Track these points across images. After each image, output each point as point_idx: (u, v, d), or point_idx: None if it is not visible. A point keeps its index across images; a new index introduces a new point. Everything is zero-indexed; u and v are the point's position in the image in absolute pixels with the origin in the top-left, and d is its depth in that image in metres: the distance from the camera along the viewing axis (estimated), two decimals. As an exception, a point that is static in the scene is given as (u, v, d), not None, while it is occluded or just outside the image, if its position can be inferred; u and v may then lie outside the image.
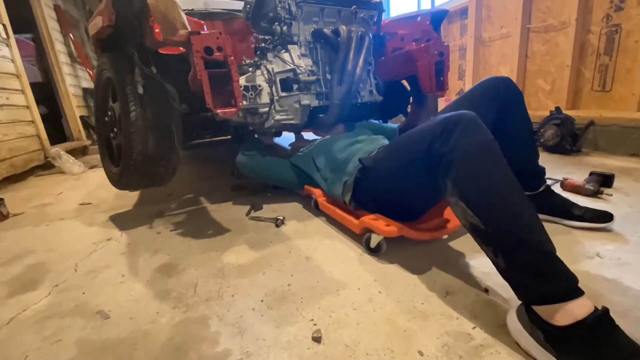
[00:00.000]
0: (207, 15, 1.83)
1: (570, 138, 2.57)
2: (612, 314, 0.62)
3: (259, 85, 1.60)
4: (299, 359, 0.73)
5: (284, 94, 1.68)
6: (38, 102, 3.35)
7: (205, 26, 1.48)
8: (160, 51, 1.46)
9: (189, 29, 1.16)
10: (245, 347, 0.77)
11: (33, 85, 3.35)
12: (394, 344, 0.75)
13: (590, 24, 2.66)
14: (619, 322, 0.61)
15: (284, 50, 1.70)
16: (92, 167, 3.33)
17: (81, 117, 4.38)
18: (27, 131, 3.13)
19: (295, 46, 1.74)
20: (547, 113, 2.80)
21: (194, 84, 1.32)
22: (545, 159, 2.44)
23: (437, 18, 2.08)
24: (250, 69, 1.59)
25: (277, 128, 1.83)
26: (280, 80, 1.66)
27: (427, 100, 2.32)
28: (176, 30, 1.13)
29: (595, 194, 1.55)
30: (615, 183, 1.66)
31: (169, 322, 0.88)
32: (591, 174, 1.71)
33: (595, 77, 2.67)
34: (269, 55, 1.67)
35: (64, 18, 4.42)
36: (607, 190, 1.59)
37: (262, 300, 0.94)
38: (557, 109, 2.72)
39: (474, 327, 0.78)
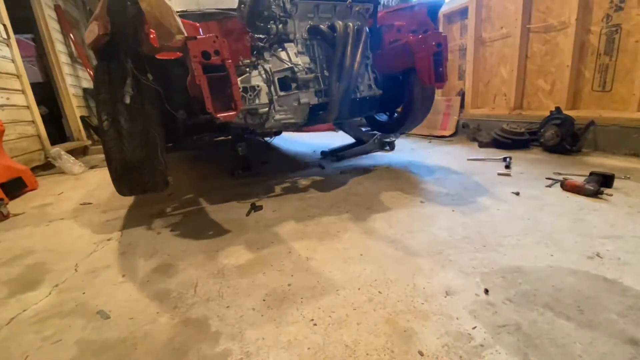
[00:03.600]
0: (201, 16, 1.82)
1: (570, 138, 2.57)
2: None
3: (258, 86, 1.59)
4: (299, 359, 0.73)
5: (282, 93, 1.67)
6: (38, 102, 3.35)
7: (200, 29, 1.48)
8: (157, 56, 1.46)
9: (185, 34, 1.16)
10: (245, 347, 0.77)
11: (33, 86, 3.35)
12: (394, 344, 0.75)
13: (590, 24, 2.65)
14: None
15: (280, 49, 1.69)
16: (92, 167, 3.33)
17: (81, 117, 4.39)
18: (28, 131, 3.13)
19: (292, 44, 1.73)
20: (547, 113, 2.80)
21: (192, 88, 1.32)
22: (545, 159, 2.44)
23: (434, 9, 2.05)
24: (248, 69, 1.59)
25: (278, 128, 1.83)
26: (279, 79, 1.66)
27: (424, 91, 2.26)
28: (172, 35, 1.13)
29: (595, 194, 1.55)
30: (615, 183, 1.66)
31: (169, 322, 0.88)
32: (591, 174, 1.71)
33: (596, 77, 2.67)
34: (266, 55, 1.66)
35: (65, 18, 4.42)
36: (607, 190, 1.59)
37: (263, 300, 0.94)
38: (557, 109, 2.72)
39: (474, 327, 0.78)
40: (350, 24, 1.70)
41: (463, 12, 3.84)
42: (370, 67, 2.01)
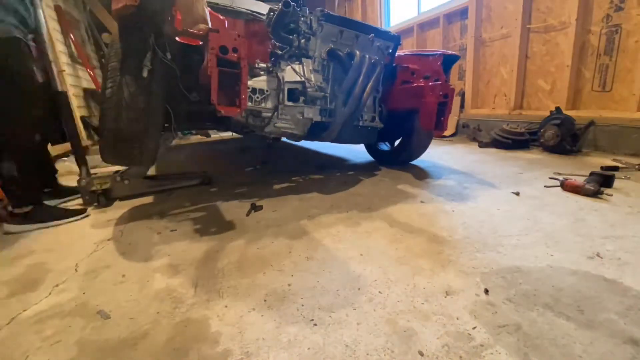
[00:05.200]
0: (231, 12, 1.85)
1: (570, 138, 2.57)
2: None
3: (267, 90, 1.63)
4: (299, 359, 0.73)
5: (289, 103, 1.72)
6: (38, 103, 3.34)
7: (226, 22, 1.50)
8: (178, 39, 1.48)
9: (210, 26, 1.19)
10: (245, 347, 0.77)
11: (33, 86, 3.34)
12: (394, 344, 0.75)
13: (590, 24, 2.66)
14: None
15: (297, 62, 1.75)
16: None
17: (82, 118, 4.38)
18: (28, 131, 3.12)
19: (309, 60, 1.79)
20: (547, 113, 2.80)
21: (203, 77, 1.35)
22: (545, 159, 2.44)
23: (449, 61, 2.13)
24: (262, 72, 1.62)
25: (277, 135, 1.87)
26: (289, 89, 1.71)
27: (423, 134, 2.31)
28: (197, 23, 1.17)
29: (595, 194, 1.56)
30: (615, 183, 1.66)
31: (169, 322, 0.88)
32: (591, 174, 1.71)
33: (596, 77, 2.67)
34: (282, 64, 1.71)
35: (65, 18, 4.42)
36: (607, 190, 1.60)
37: (263, 300, 0.94)
38: (557, 109, 2.73)
39: (474, 327, 0.78)
40: (368, 56, 1.76)
41: (463, 12, 3.84)
42: (378, 101, 2.09)
